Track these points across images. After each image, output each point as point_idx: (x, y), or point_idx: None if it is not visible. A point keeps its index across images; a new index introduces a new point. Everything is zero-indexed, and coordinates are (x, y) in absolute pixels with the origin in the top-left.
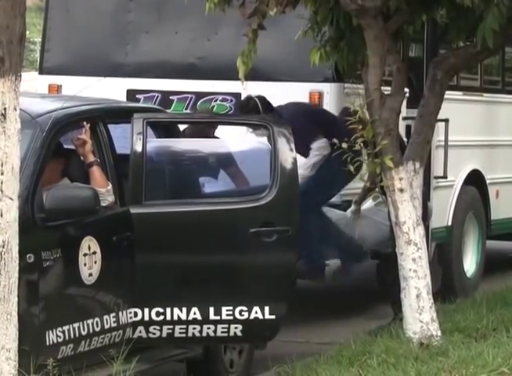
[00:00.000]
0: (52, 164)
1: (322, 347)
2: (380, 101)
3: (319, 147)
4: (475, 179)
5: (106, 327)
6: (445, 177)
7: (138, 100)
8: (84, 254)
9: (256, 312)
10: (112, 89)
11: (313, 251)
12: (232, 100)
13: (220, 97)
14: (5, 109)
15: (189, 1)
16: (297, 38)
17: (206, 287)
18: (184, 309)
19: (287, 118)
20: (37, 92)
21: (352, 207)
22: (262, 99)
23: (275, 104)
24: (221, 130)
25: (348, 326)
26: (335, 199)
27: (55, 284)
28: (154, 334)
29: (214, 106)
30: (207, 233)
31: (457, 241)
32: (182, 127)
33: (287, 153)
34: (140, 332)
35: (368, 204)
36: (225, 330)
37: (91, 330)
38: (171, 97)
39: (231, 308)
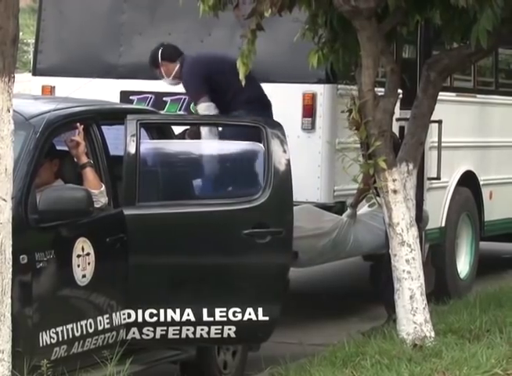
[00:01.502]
0: (46, 166)
1: (316, 348)
2: (374, 102)
3: (203, 111)
4: (469, 180)
5: (100, 328)
6: (438, 178)
7: (131, 102)
8: (78, 256)
9: (249, 314)
10: (105, 91)
11: None
12: None
13: None
14: None
15: (183, 2)
16: (296, 41)
17: (199, 288)
18: (177, 311)
19: (184, 71)
20: (31, 94)
21: (348, 211)
22: (170, 46)
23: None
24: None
25: (342, 327)
26: (327, 200)
27: (49, 285)
28: (148, 335)
29: None
30: (200, 234)
31: (451, 242)
32: (180, 128)
33: (281, 155)
34: (134, 333)
35: (364, 208)
36: (219, 331)
37: (84, 332)
38: (164, 98)
39: (224, 309)
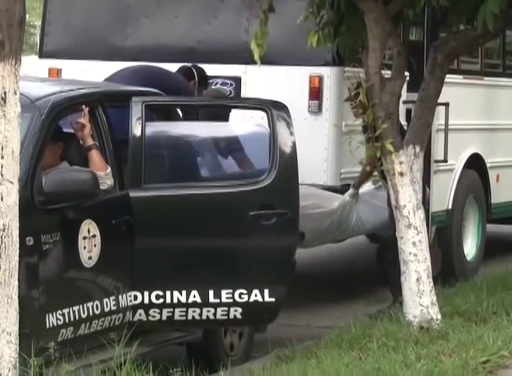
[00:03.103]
0: (52, 148)
1: (323, 331)
2: (381, 85)
3: None
4: (475, 163)
5: (106, 310)
6: (445, 161)
7: None
8: (84, 238)
9: (256, 295)
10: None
11: None
12: (232, 84)
13: (220, 81)
14: (5, 93)
15: None
16: (300, 22)
17: (205, 270)
18: (184, 292)
19: None
20: (37, 76)
21: (350, 191)
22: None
23: (275, 89)
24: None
25: (348, 309)
26: (334, 183)
27: (55, 267)
28: (154, 317)
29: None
30: (206, 216)
31: (457, 225)
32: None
33: (286, 137)
34: (140, 315)
35: (366, 187)
36: (225, 313)
37: (91, 313)
38: None
39: (230, 291)
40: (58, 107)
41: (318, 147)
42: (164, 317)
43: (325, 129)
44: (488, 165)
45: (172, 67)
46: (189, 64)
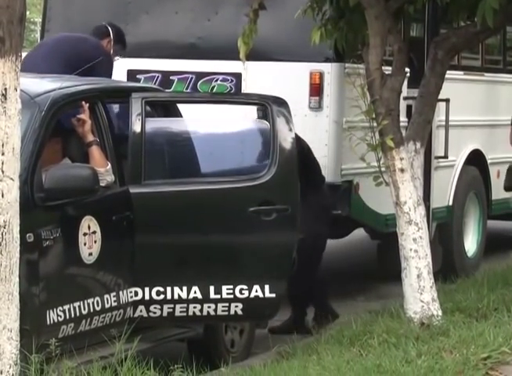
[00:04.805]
0: (52, 144)
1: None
2: (381, 81)
3: None
4: (476, 159)
5: (107, 306)
6: (445, 157)
7: (138, 80)
8: (84, 234)
9: (256, 291)
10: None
11: None
12: (232, 80)
13: (220, 77)
14: (5, 89)
15: None
16: (297, 17)
17: (206, 265)
18: (184, 288)
19: None
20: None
21: None
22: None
23: (276, 85)
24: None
25: (348, 306)
26: (335, 179)
27: (56, 264)
28: (155, 313)
29: (214, 87)
30: (206, 212)
31: (458, 221)
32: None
33: (286, 133)
34: (141, 311)
35: None
36: (226, 308)
37: (91, 310)
38: (171, 77)
39: (231, 286)
40: (57, 103)
41: (318, 143)
42: (165, 313)
43: (325, 125)
44: (488, 161)
45: (173, 66)
46: (105, 23)
